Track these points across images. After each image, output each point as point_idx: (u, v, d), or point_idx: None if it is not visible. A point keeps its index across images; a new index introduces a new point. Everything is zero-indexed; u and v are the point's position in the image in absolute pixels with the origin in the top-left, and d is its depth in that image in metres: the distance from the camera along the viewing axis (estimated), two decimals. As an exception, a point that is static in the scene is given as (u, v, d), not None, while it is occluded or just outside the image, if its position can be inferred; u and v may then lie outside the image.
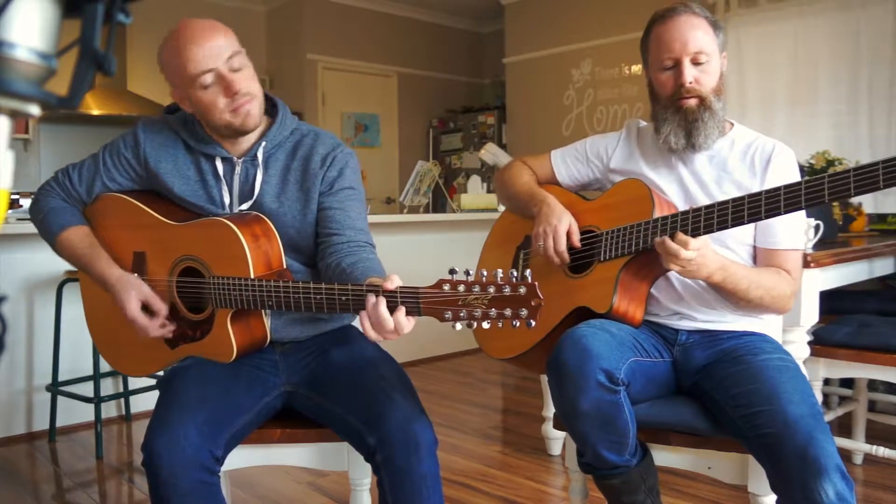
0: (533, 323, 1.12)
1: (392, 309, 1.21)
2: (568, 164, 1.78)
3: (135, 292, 1.48)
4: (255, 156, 1.54)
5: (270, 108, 1.59)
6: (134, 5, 0.52)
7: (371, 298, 1.23)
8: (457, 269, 1.17)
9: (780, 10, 4.52)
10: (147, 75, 5.85)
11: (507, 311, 1.12)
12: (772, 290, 1.48)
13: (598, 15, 5.67)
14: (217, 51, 1.42)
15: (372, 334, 1.24)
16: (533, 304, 1.12)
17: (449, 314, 1.16)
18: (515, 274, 1.13)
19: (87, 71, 0.49)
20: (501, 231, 1.88)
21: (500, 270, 1.14)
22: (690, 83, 1.54)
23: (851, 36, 4.24)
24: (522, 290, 1.12)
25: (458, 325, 1.16)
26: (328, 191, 1.55)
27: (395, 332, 1.22)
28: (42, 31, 0.47)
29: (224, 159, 1.54)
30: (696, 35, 1.53)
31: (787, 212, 1.35)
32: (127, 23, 0.50)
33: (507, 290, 1.12)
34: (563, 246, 1.59)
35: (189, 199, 1.55)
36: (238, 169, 1.55)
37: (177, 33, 1.45)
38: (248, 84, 1.46)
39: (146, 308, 1.49)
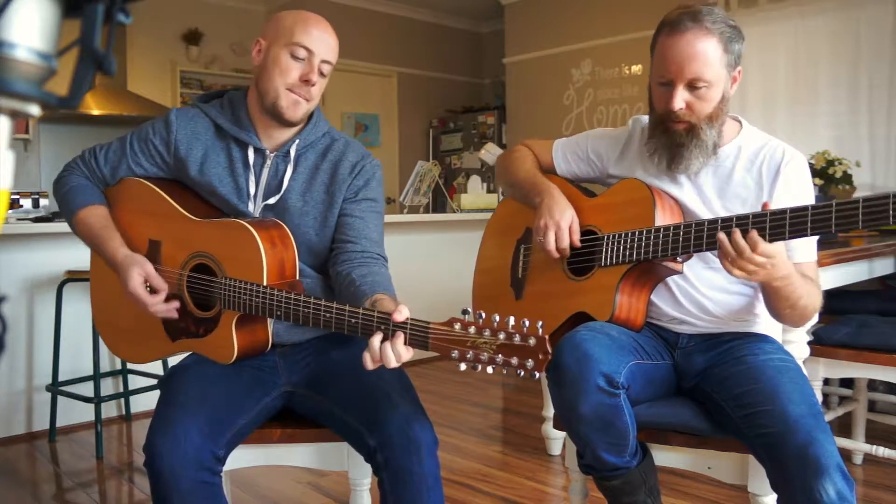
0: (537, 375, 1.12)
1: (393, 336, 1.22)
2: (568, 160, 1.74)
3: (138, 269, 1.48)
4: (288, 152, 1.56)
5: None
6: (134, 5, 0.52)
7: (377, 336, 1.23)
8: (469, 311, 1.18)
9: (780, 10, 4.52)
10: (147, 75, 5.85)
11: (514, 360, 1.13)
12: (813, 301, 1.44)
13: (598, 15, 5.67)
14: (326, 47, 1.52)
15: (370, 366, 1.24)
16: (540, 357, 1.12)
17: (456, 353, 1.17)
18: (527, 323, 1.13)
19: (87, 71, 0.49)
20: (502, 220, 1.86)
21: (512, 318, 1.14)
22: (680, 109, 1.46)
23: (851, 36, 4.25)
24: (532, 341, 1.12)
25: (463, 366, 1.17)
26: (352, 198, 1.57)
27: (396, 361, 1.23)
28: (42, 31, 0.47)
29: (257, 150, 1.55)
30: (697, 59, 1.42)
31: (792, 236, 1.30)
32: (127, 23, 0.50)
33: (517, 340, 1.13)
34: (566, 243, 1.57)
35: (215, 186, 1.54)
36: (269, 162, 1.56)
37: (309, 12, 1.56)
38: (317, 89, 1.53)
39: (149, 290, 1.49)
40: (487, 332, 1.15)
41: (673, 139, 1.49)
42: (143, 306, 1.47)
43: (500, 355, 1.14)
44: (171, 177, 1.61)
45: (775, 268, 1.32)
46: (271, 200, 1.54)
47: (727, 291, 1.54)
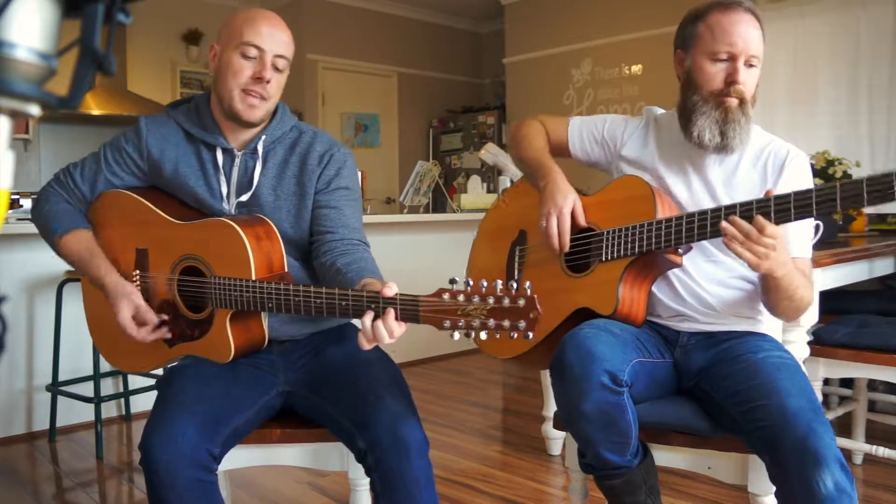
0: (531, 335, 1.12)
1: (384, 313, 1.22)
2: (584, 138, 1.73)
3: (126, 301, 1.49)
4: (255, 149, 1.56)
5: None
6: (134, 5, 0.52)
7: (369, 315, 1.23)
8: (457, 279, 1.17)
9: (780, 10, 4.52)
10: (147, 75, 5.85)
11: (506, 323, 1.13)
12: (807, 294, 1.46)
13: (598, 15, 5.68)
14: (277, 41, 1.50)
15: (366, 346, 1.24)
16: (531, 316, 1.12)
17: (447, 323, 1.17)
18: (515, 286, 1.13)
19: (87, 71, 0.49)
20: (495, 222, 1.85)
21: (499, 281, 1.14)
22: (743, 82, 1.49)
23: (851, 35, 4.25)
24: (521, 302, 1.12)
25: (456, 335, 1.17)
26: (325, 189, 1.56)
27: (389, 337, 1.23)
28: (42, 31, 0.47)
29: (225, 150, 1.56)
30: (757, 37, 1.49)
31: (797, 218, 1.32)
32: (127, 23, 0.50)
33: (507, 302, 1.13)
34: (566, 227, 1.56)
35: (193, 187, 1.55)
36: (237, 161, 1.56)
37: (257, 10, 1.55)
38: (274, 86, 1.52)
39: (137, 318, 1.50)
40: (477, 299, 1.14)
41: (727, 114, 1.50)
42: (132, 339, 1.50)
43: (491, 320, 1.13)
44: (148, 184, 1.61)
45: (779, 252, 1.33)
46: (243, 198, 1.55)
47: (727, 285, 1.55)
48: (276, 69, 1.50)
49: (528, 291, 1.12)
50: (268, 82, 1.48)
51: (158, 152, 1.56)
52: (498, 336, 1.14)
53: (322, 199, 1.56)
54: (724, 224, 1.35)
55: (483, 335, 1.15)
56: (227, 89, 1.49)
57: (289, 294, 1.35)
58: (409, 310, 1.21)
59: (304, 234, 1.57)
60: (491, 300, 1.14)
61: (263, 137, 1.56)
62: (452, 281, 1.18)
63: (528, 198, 1.73)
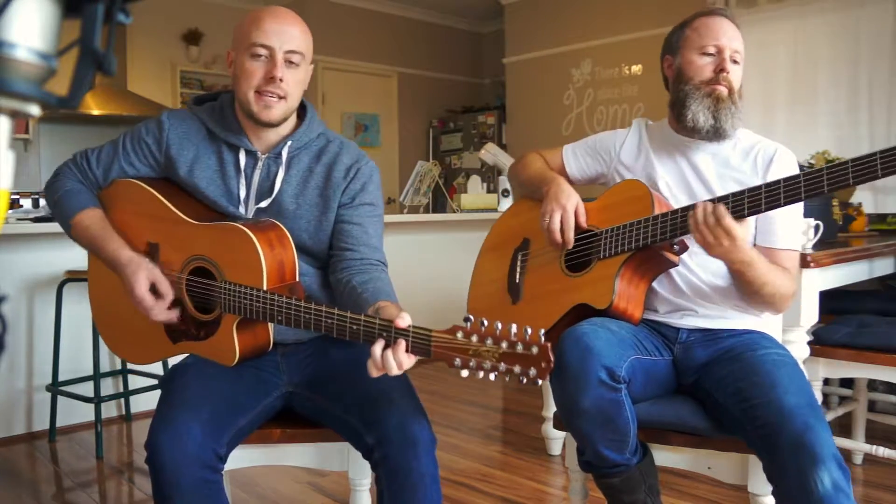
0: (540, 382, 1.12)
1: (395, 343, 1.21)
2: (578, 157, 1.80)
3: (145, 272, 1.46)
4: (280, 153, 1.55)
5: (299, 110, 1.59)
6: (134, 5, 0.52)
7: (379, 344, 1.22)
8: (471, 317, 1.17)
9: (780, 10, 4.52)
10: (147, 75, 5.86)
11: (517, 368, 1.12)
12: (780, 289, 1.49)
13: (598, 15, 5.68)
14: (287, 36, 1.47)
15: (374, 374, 1.23)
16: (543, 366, 1.11)
17: (458, 361, 1.16)
18: (529, 331, 1.13)
19: (87, 71, 0.49)
20: (499, 234, 1.89)
21: (514, 325, 1.14)
22: (729, 73, 1.59)
23: (851, 35, 4.25)
24: (535, 349, 1.12)
25: (465, 373, 1.16)
26: (349, 203, 1.55)
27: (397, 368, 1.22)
28: (42, 31, 0.47)
29: (248, 152, 1.54)
30: (739, 37, 1.62)
31: (786, 203, 1.37)
32: (127, 23, 0.50)
33: (520, 348, 1.12)
34: (571, 223, 1.60)
35: (204, 191, 1.54)
36: (260, 164, 1.55)
37: (266, 8, 1.52)
38: (290, 84, 1.48)
39: (154, 291, 1.48)
40: (490, 341, 1.14)
41: (717, 100, 1.59)
42: (146, 311, 1.46)
43: (502, 363, 1.13)
44: (162, 176, 1.60)
45: (735, 250, 1.40)
46: (263, 203, 1.53)
47: (724, 277, 1.57)
48: (291, 64, 1.48)
49: (542, 339, 1.12)
50: (281, 80, 1.46)
51: (176, 149, 1.55)
52: (507, 379, 1.14)
53: (346, 214, 1.54)
54: (697, 204, 1.43)
55: (492, 376, 1.15)
56: (242, 93, 1.48)
57: (300, 310, 1.33)
58: (421, 344, 1.19)
59: (322, 246, 1.56)
60: (504, 344, 1.13)
61: (289, 143, 1.54)
62: (466, 319, 1.17)
63: (532, 211, 1.76)
